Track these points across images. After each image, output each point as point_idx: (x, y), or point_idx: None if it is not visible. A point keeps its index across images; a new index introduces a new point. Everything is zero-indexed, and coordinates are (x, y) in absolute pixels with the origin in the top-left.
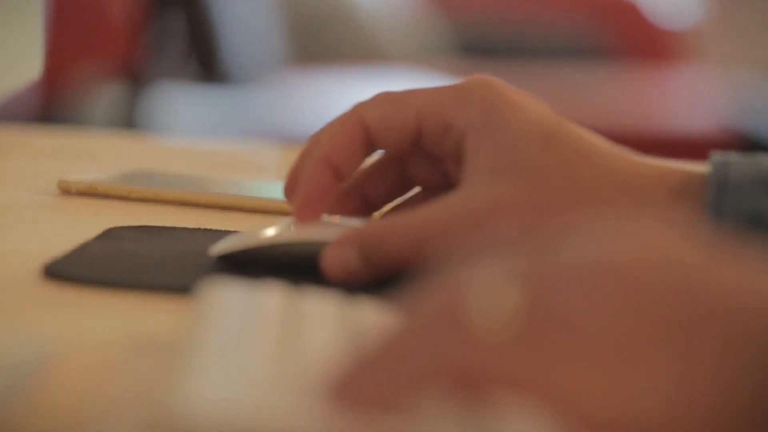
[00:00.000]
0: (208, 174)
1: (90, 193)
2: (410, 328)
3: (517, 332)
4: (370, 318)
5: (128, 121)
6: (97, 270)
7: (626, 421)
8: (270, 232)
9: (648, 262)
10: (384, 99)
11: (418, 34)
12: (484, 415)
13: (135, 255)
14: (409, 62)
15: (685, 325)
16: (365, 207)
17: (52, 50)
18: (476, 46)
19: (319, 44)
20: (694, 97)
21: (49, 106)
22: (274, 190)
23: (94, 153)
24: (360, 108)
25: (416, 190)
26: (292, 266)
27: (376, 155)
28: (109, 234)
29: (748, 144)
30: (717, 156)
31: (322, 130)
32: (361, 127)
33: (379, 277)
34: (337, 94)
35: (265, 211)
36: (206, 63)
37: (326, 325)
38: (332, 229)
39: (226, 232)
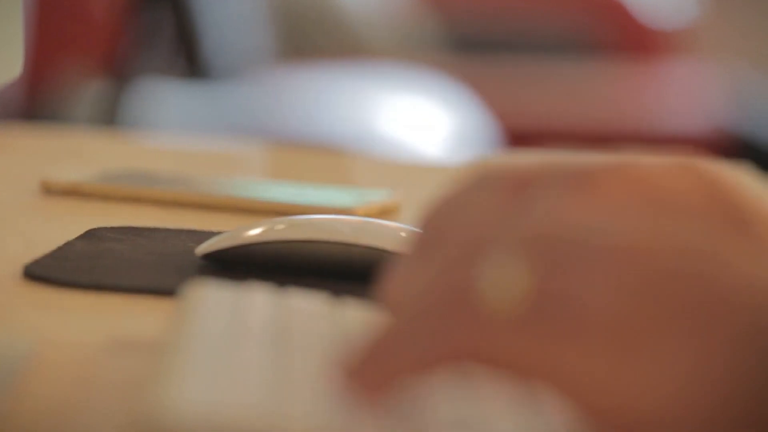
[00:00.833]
0: (193, 173)
1: (73, 192)
2: (418, 308)
3: (527, 311)
4: (356, 318)
5: (112, 118)
6: (79, 272)
7: (635, 408)
8: (255, 231)
9: (664, 247)
10: None
11: (408, 29)
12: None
13: (117, 256)
14: (398, 58)
15: (697, 314)
16: None
17: (36, 47)
18: (467, 42)
19: (307, 40)
20: (687, 96)
21: (32, 103)
22: (259, 189)
23: (77, 152)
24: None
25: None
26: (277, 265)
27: None
28: (92, 234)
29: (740, 144)
30: None
31: None
32: None
33: (363, 273)
34: (325, 91)
35: (250, 210)
36: (191, 59)
37: (312, 327)
38: (319, 227)
39: (210, 233)
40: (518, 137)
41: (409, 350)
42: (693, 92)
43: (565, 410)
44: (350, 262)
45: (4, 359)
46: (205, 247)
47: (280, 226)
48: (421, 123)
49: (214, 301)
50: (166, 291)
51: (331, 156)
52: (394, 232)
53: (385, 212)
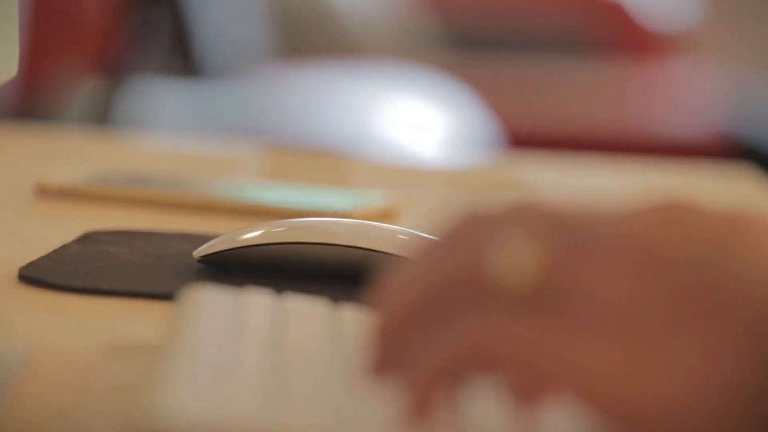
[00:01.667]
0: (189, 175)
1: (68, 194)
2: (425, 304)
3: (539, 303)
4: (354, 321)
5: (107, 117)
6: (75, 275)
7: (647, 399)
8: (253, 233)
9: (677, 237)
10: None
11: (406, 28)
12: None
13: (113, 259)
14: (396, 57)
15: (708, 305)
16: None
17: (30, 46)
18: (466, 42)
19: (304, 39)
20: (688, 98)
21: (27, 102)
22: (256, 191)
23: (72, 153)
24: None
25: None
26: (275, 268)
27: None
28: (88, 237)
29: (741, 147)
30: None
31: None
32: None
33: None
34: (322, 90)
35: (247, 212)
36: (187, 58)
37: (310, 330)
38: (318, 230)
39: (207, 237)
40: (518, 138)
41: (423, 348)
42: (694, 94)
43: (578, 408)
44: (348, 265)
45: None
46: (202, 250)
47: (278, 229)
48: (419, 122)
49: (212, 304)
50: (163, 294)
51: (329, 158)
52: (392, 235)
53: (383, 215)
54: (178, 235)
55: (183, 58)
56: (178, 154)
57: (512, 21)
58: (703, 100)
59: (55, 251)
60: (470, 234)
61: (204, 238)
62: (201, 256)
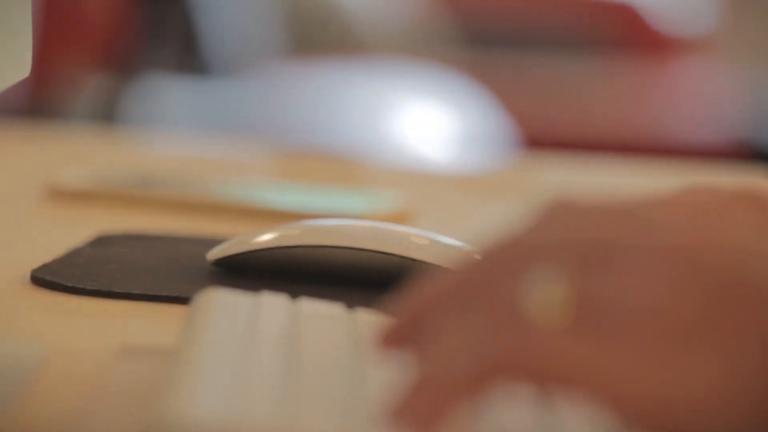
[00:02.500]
0: (201, 176)
1: (79, 195)
2: (462, 325)
3: (573, 318)
4: (370, 326)
5: (116, 115)
6: (87, 277)
7: (672, 406)
8: (267, 236)
9: (704, 246)
10: None
11: (417, 26)
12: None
13: (126, 261)
14: (408, 55)
15: (736, 313)
16: None
17: (38, 44)
18: (478, 40)
19: (313, 36)
20: (700, 101)
21: (35, 100)
22: (269, 193)
23: (82, 154)
24: None
25: None
26: (290, 271)
27: None
28: (100, 239)
29: (755, 150)
30: None
31: None
32: None
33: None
34: (331, 88)
35: (260, 215)
36: (195, 55)
37: (325, 335)
38: (333, 232)
39: (220, 239)
40: (531, 138)
41: (459, 368)
42: (708, 97)
43: (612, 419)
44: (364, 267)
45: (11, 365)
46: (216, 253)
47: (293, 232)
48: (431, 122)
49: (226, 308)
50: (176, 297)
51: (342, 160)
52: (407, 238)
53: (397, 217)
54: (191, 238)
55: (192, 55)
56: (189, 155)
57: (526, 21)
58: (717, 103)
59: (67, 254)
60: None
61: (217, 241)
62: (214, 259)
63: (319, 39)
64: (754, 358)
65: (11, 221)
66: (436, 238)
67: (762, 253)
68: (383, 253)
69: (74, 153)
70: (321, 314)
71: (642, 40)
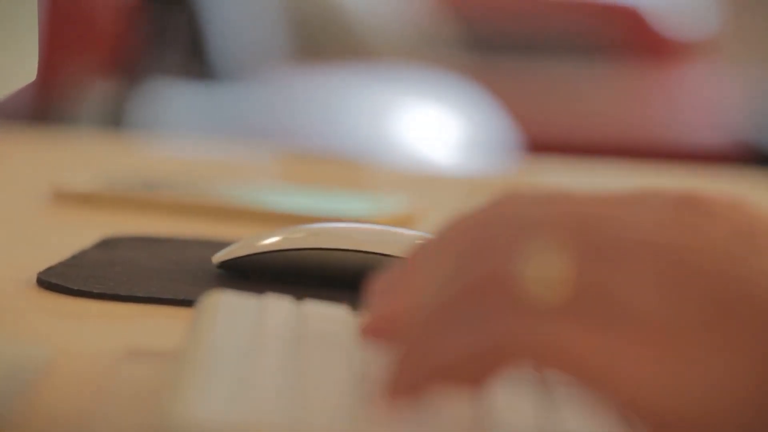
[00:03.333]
0: (206, 179)
1: (85, 199)
2: (457, 298)
3: (569, 302)
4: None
5: (122, 119)
6: (93, 280)
7: (671, 405)
8: (273, 239)
9: (703, 245)
10: None
11: (423, 30)
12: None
13: (132, 264)
14: (413, 60)
15: (732, 313)
16: None
17: (45, 48)
18: (482, 44)
19: (319, 41)
20: (704, 105)
21: (41, 104)
22: (274, 196)
23: (88, 157)
24: None
25: None
26: (295, 274)
27: None
28: (106, 243)
29: (757, 154)
30: None
31: None
32: None
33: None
34: (337, 94)
35: (266, 218)
36: (201, 60)
37: (330, 337)
38: (338, 235)
39: (225, 242)
40: (535, 143)
41: (450, 345)
42: (712, 100)
43: (605, 407)
44: (369, 270)
45: (18, 367)
46: (221, 256)
47: (298, 235)
48: (435, 127)
49: (231, 310)
50: (182, 300)
51: (347, 164)
52: (412, 241)
53: (402, 220)
54: (196, 241)
55: (198, 60)
56: (195, 159)
57: (530, 24)
58: (721, 106)
59: (73, 256)
60: (497, 235)
61: (222, 244)
62: (220, 262)
63: (324, 44)
64: (754, 364)
65: (18, 224)
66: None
67: (759, 259)
68: (388, 256)
69: (80, 157)
70: (325, 317)
71: (646, 44)
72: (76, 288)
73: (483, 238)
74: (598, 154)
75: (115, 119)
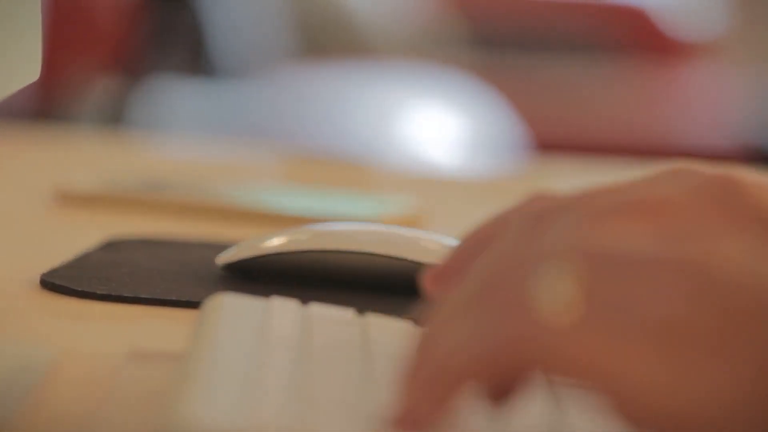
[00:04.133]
0: (210, 180)
1: (88, 200)
2: (470, 307)
3: (582, 316)
4: (381, 330)
5: (124, 117)
6: (97, 281)
7: (681, 409)
8: (277, 240)
9: (712, 261)
10: None
11: (428, 29)
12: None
13: (136, 266)
14: (418, 58)
15: (747, 324)
16: None
17: (47, 46)
18: (488, 43)
19: (322, 39)
20: (709, 105)
21: (44, 102)
22: (279, 197)
23: (92, 158)
24: None
25: None
26: (300, 276)
27: None
28: (110, 244)
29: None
30: None
31: None
32: None
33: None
34: (340, 91)
35: (270, 219)
36: (204, 58)
37: (336, 340)
38: (343, 237)
39: (229, 244)
40: (542, 142)
41: (465, 357)
42: (718, 101)
43: (614, 411)
44: (374, 272)
45: (22, 369)
46: (225, 257)
47: (303, 236)
48: (441, 126)
49: (236, 312)
50: (186, 302)
51: (351, 165)
52: (418, 242)
53: (408, 221)
54: (200, 243)
55: (201, 59)
56: (199, 159)
57: (536, 24)
58: (726, 107)
59: (77, 258)
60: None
61: (227, 245)
62: (224, 264)
63: (328, 42)
64: (763, 373)
65: (21, 225)
66: (447, 243)
67: (762, 273)
68: (393, 257)
69: (84, 157)
70: (331, 319)
71: (652, 44)
72: (79, 289)
73: (503, 255)
74: (603, 153)
75: (117, 118)
